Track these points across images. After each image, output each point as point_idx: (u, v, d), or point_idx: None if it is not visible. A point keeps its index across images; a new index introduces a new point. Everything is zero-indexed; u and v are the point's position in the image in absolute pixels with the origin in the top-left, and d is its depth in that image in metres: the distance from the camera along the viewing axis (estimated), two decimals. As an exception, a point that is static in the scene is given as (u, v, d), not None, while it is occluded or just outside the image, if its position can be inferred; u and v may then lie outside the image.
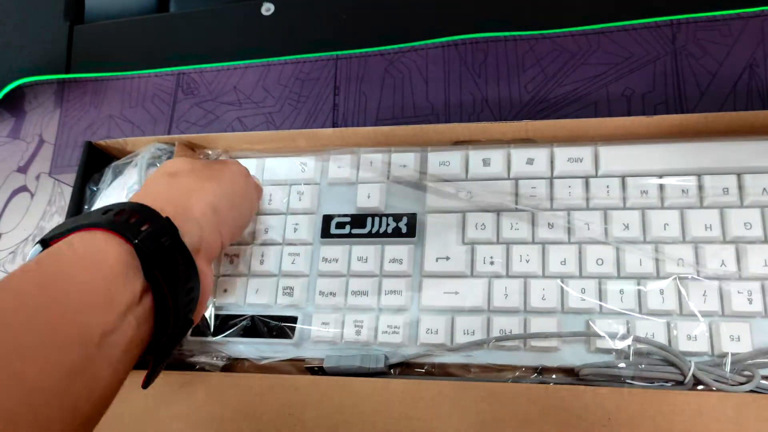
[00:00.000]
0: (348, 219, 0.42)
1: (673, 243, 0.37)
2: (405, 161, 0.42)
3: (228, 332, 0.41)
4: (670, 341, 0.35)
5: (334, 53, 0.52)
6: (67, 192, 0.54)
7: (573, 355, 0.36)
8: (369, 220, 0.41)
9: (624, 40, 0.46)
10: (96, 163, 0.51)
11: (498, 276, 0.38)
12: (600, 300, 0.37)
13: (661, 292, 0.36)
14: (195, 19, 0.58)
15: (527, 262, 0.38)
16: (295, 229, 0.42)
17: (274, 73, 0.53)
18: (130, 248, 0.28)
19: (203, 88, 0.54)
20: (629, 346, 0.35)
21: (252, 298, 0.42)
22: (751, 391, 0.34)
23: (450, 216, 0.40)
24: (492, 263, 0.38)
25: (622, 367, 0.35)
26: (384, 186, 0.42)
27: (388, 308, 0.39)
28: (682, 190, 0.38)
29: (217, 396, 0.39)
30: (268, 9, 0.55)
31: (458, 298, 0.38)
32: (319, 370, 0.40)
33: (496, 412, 0.35)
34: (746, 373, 0.34)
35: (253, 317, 0.41)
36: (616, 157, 0.39)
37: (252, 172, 0.45)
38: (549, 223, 0.39)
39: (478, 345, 0.37)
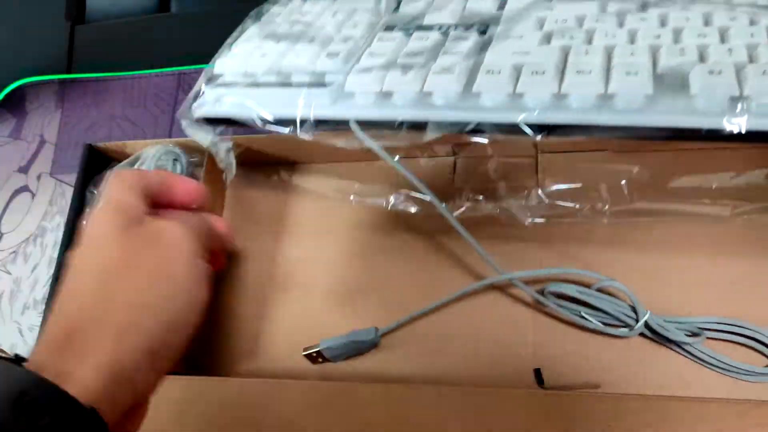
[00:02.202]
0: (414, 25, 0.35)
1: None
2: None
3: None
4: None
5: (335, 54, 0.52)
6: (68, 192, 0.54)
7: (674, 111, 0.27)
8: (437, 27, 0.35)
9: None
10: (96, 165, 0.51)
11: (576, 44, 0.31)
12: (701, 55, 0.28)
13: None
14: (196, 19, 0.58)
15: (613, 37, 0.30)
16: (355, 26, 0.37)
17: (275, 74, 0.53)
18: None
19: (204, 88, 0.54)
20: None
21: (291, 59, 0.35)
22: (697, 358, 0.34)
23: (529, 19, 0.33)
24: (572, 38, 0.31)
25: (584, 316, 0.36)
26: (461, 6, 0.36)
27: (446, 60, 0.32)
28: None
29: (217, 402, 0.39)
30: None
31: (528, 57, 0.30)
32: (318, 356, 0.41)
33: (495, 419, 0.35)
34: (692, 332, 0.35)
35: None
36: None
37: None
38: (641, 18, 0.31)
39: (548, 93, 0.29)
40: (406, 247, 0.44)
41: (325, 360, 0.41)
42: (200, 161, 0.48)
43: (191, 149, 0.49)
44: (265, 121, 0.35)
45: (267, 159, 0.49)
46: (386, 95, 0.32)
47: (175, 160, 0.48)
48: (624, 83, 0.28)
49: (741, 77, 0.27)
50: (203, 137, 0.37)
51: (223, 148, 0.39)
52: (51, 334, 0.25)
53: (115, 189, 0.29)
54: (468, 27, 0.34)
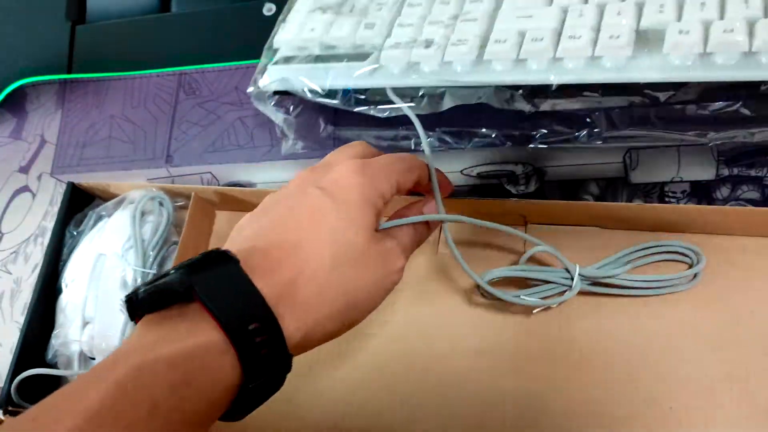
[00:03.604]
0: None
1: None
2: None
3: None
4: (753, 35, 0.31)
5: (336, 53, 0.52)
6: (69, 192, 0.54)
7: (649, 67, 0.33)
8: None
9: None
10: (78, 203, 0.50)
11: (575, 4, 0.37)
12: (679, 11, 0.34)
13: (746, 0, 0.33)
14: (197, 20, 0.58)
15: None
16: None
17: (275, 74, 0.53)
18: (238, 369, 0.25)
19: (205, 88, 0.54)
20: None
21: (335, 32, 0.42)
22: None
23: None
24: None
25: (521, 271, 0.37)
26: None
27: (461, 32, 0.38)
28: None
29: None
30: (269, 9, 0.55)
31: (530, 21, 0.37)
32: None
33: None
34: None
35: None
36: None
37: None
38: None
39: (546, 55, 0.35)
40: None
41: None
42: (185, 204, 0.48)
43: (175, 193, 0.48)
44: (315, 94, 0.41)
45: (252, 206, 0.49)
46: (414, 65, 0.38)
47: (161, 204, 0.48)
48: (607, 44, 0.34)
49: (707, 31, 0.32)
50: (273, 114, 0.45)
51: (287, 124, 0.45)
52: (275, 269, 0.27)
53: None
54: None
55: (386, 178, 0.30)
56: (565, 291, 0.37)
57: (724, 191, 0.40)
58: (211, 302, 0.25)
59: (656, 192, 0.41)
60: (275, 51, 0.44)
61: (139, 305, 0.26)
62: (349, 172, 0.30)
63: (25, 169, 0.58)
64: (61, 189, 0.55)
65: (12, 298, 0.53)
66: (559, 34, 0.35)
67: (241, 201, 0.47)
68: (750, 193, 0.39)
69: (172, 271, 0.26)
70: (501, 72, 0.36)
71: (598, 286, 0.38)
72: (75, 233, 0.49)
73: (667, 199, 0.40)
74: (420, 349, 0.40)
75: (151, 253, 0.45)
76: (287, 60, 0.42)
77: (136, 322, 0.26)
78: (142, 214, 0.47)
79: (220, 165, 0.51)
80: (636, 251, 0.38)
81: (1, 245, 0.55)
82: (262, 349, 0.25)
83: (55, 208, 0.55)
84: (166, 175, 0.52)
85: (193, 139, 0.53)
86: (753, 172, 0.39)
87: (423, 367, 0.40)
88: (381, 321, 0.42)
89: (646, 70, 0.33)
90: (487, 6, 0.39)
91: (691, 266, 0.37)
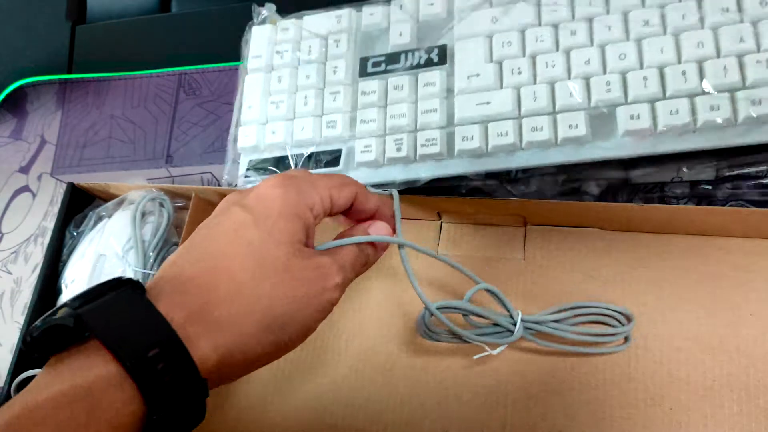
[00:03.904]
0: (383, 58, 0.44)
1: (692, 29, 0.37)
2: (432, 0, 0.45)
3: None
4: (695, 113, 0.35)
5: (336, 53, 0.52)
6: (69, 192, 0.54)
7: (606, 147, 0.36)
8: (402, 56, 0.43)
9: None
10: (78, 203, 0.50)
11: (525, 84, 0.39)
12: (624, 90, 0.37)
13: (683, 73, 0.35)
14: (196, 20, 0.58)
15: (553, 67, 0.39)
16: (335, 72, 0.44)
17: (275, 74, 0.53)
18: (140, 401, 0.23)
19: (205, 88, 0.54)
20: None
21: (298, 135, 0.43)
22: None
23: (477, 40, 0.41)
24: (520, 73, 0.39)
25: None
26: (415, 24, 0.44)
27: (425, 126, 0.40)
28: None
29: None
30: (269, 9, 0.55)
31: (490, 107, 0.39)
32: None
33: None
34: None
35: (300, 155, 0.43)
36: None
37: (287, 39, 0.47)
38: (571, 31, 0.39)
39: (511, 148, 0.38)
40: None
41: None
42: (186, 205, 0.48)
43: (175, 194, 0.48)
44: None
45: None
46: (389, 163, 0.41)
47: (161, 204, 0.48)
48: (566, 133, 0.36)
49: (654, 111, 0.35)
50: None
51: None
52: (187, 290, 0.26)
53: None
54: (429, 51, 0.43)
55: (314, 189, 0.29)
56: (505, 336, 0.36)
57: (724, 191, 0.40)
58: (101, 331, 0.23)
59: (656, 192, 0.41)
60: (239, 152, 0.45)
61: (34, 346, 0.24)
62: (269, 186, 0.29)
63: (25, 170, 0.58)
64: (61, 189, 0.55)
65: (12, 298, 0.53)
66: (520, 122, 0.38)
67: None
68: (750, 193, 0.39)
69: (68, 301, 0.24)
70: (471, 163, 0.39)
71: (540, 338, 0.37)
72: (75, 234, 0.49)
73: (667, 199, 0.40)
74: (420, 349, 0.40)
75: (151, 253, 0.45)
76: (257, 165, 0.44)
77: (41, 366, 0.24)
78: (143, 214, 0.47)
79: (220, 165, 0.51)
80: (569, 309, 0.37)
81: (1, 245, 0.55)
82: (165, 376, 0.23)
83: (55, 209, 0.55)
84: (166, 176, 0.52)
85: (193, 139, 0.53)
86: (753, 172, 0.39)
87: (423, 367, 0.40)
88: (381, 321, 0.42)
89: (607, 150, 0.37)
90: (439, 90, 0.41)
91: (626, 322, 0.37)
